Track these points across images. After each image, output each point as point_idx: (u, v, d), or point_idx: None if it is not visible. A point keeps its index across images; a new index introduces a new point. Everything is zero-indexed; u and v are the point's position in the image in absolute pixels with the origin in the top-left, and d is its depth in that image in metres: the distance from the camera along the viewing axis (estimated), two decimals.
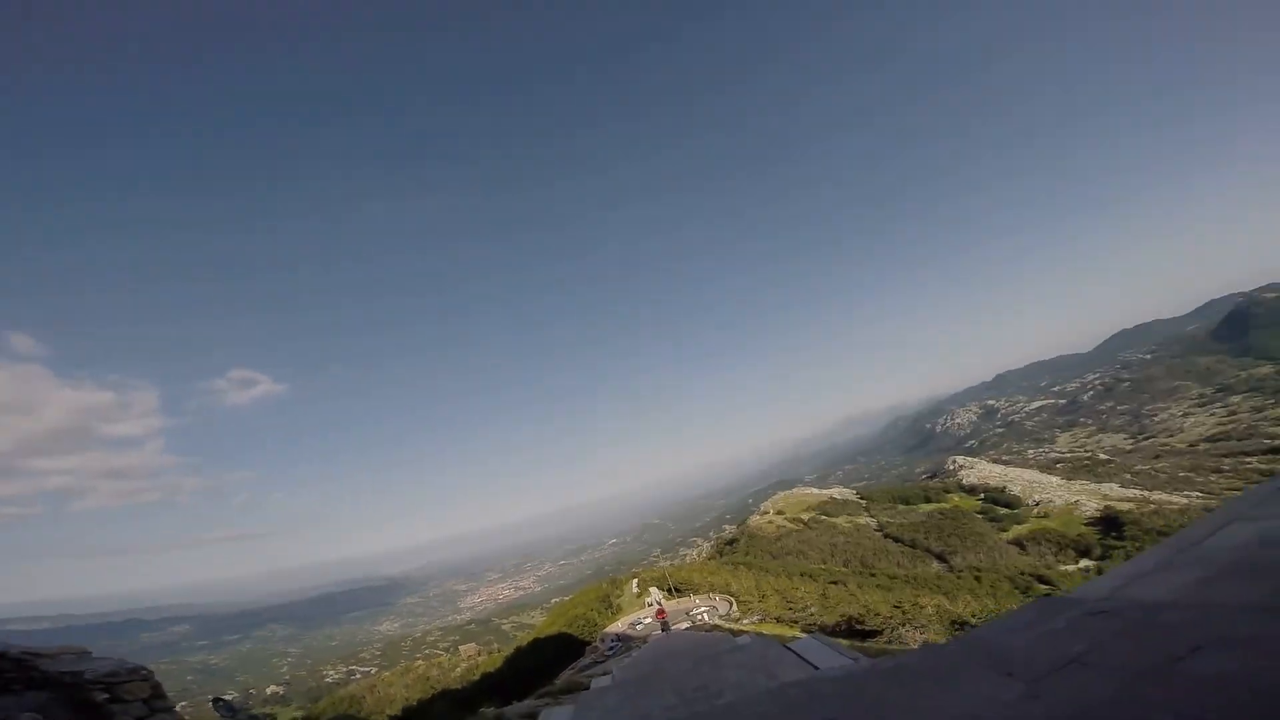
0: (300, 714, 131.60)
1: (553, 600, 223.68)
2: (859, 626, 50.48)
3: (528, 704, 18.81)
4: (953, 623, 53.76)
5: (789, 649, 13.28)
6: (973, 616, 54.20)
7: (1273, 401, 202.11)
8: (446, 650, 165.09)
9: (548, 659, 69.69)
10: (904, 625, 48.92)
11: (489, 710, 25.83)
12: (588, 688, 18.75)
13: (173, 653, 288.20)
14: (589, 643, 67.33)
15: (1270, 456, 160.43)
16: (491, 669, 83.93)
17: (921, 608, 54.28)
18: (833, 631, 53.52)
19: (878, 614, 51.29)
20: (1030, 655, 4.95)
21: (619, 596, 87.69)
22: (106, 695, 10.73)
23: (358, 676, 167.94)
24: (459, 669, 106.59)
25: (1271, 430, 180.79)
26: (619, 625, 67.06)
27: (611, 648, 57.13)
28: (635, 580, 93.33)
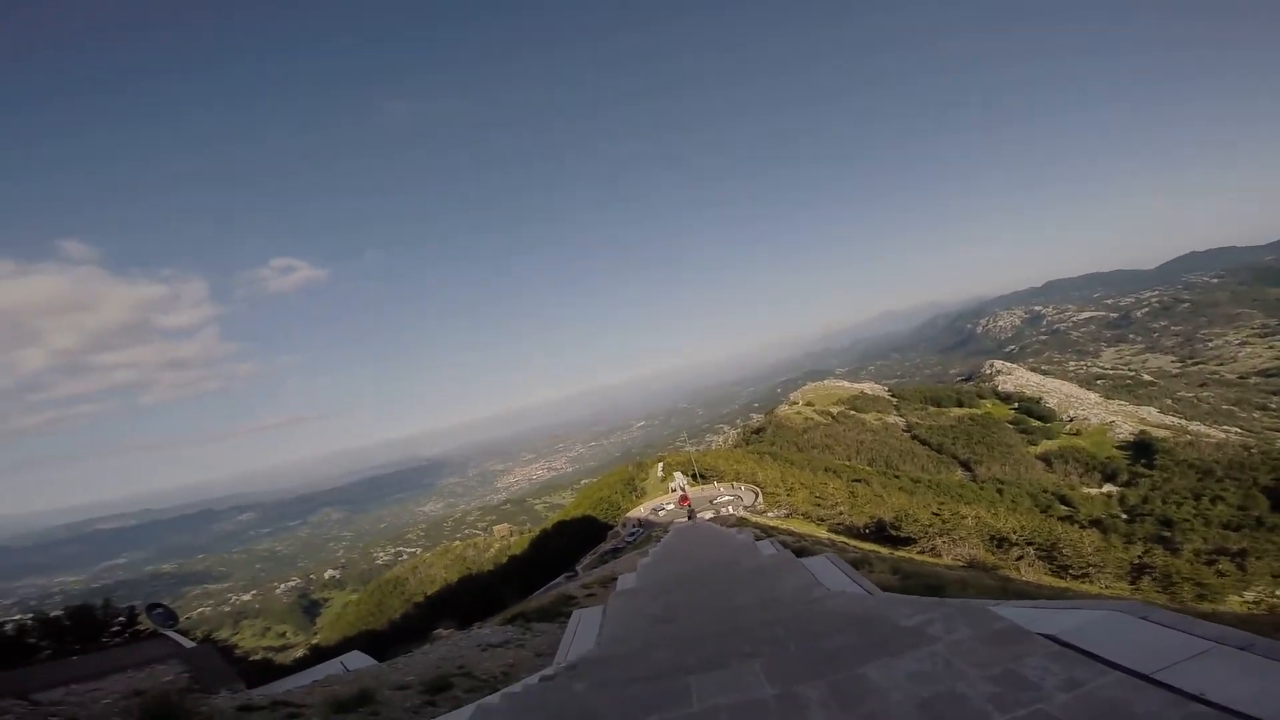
0: (354, 596, 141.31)
1: (582, 481, 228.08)
2: (892, 532, 47.98)
3: (489, 630, 15.75)
4: (992, 538, 51.16)
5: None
6: (1013, 533, 51.49)
7: None
8: (483, 530, 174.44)
9: (571, 542, 71.23)
10: (941, 536, 46.21)
11: (445, 630, 24.35)
12: (566, 616, 16.09)
13: (241, 541, 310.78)
14: (612, 526, 67.70)
15: None
16: (518, 551, 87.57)
17: (963, 518, 51.56)
18: (862, 534, 51.22)
19: (915, 519, 48.51)
20: None
21: (644, 480, 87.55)
22: None
23: (404, 557, 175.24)
24: (493, 549, 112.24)
25: None
26: (642, 510, 66.69)
27: (632, 533, 56.64)
28: (660, 464, 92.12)
